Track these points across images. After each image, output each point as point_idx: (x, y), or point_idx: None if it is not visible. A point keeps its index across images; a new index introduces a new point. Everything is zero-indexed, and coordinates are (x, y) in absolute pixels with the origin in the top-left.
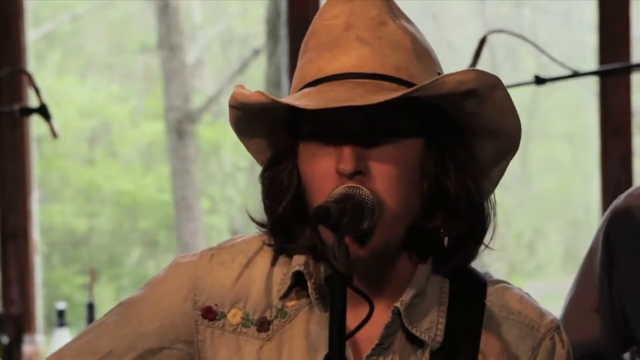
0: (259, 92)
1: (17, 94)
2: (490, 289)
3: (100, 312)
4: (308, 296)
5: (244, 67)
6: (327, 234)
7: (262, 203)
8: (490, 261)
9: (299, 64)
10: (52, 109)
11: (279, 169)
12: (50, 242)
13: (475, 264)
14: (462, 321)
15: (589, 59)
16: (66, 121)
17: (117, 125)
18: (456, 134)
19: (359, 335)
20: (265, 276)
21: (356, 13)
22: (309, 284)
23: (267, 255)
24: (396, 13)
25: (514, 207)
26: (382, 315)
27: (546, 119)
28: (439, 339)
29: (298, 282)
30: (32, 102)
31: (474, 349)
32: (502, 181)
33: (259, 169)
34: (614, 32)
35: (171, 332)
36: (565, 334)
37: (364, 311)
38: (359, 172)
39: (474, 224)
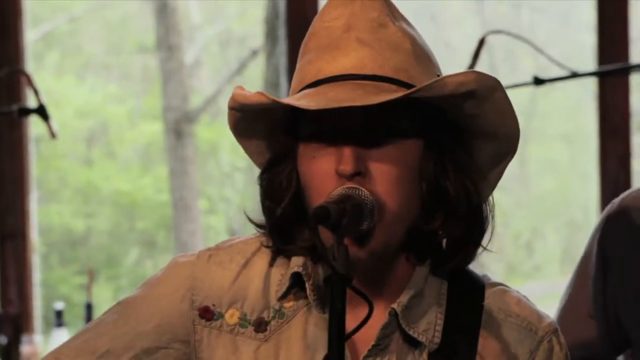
0: (259, 92)
1: (16, 94)
2: (488, 291)
3: (98, 312)
4: (306, 297)
5: (242, 67)
6: (326, 235)
7: (260, 204)
8: (488, 262)
9: (298, 65)
10: (50, 109)
11: (278, 170)
12: (48, 243)
13: (473, 265)
14: (460, 323)
15: (588, 60)
16: (64, 121)
17: (115, 126)
18: (455, 135)
19: (357, 335)
20: (263, 277)
21: (356, 15)
22: (307, 285)
23: (265, 256)
24: (396, 15)
25: (512, 207)
26: (379, 316)
27: (544, 119)
28: (437, 340)
29: (296, 283)
30: (31, 102)
31: (472, 350)
32: (500, 182)
33: (256, 169)
34: (612, 33)
35: (168, 331)
36: (562, 337)
37: (362, 312)
38: (359, 173)
39: (473, 225)
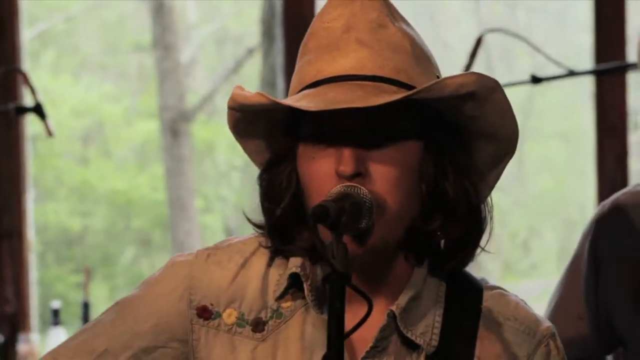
0: (259, 93)
1: (12, 93)
2: (486, 295)
3: (95, 311)
4: (304, 298)
5: (238, 66)
6: (325, 233)
7: (259, 204)
8: (484, 260)
9: (297, 65)
10: (46, 108)
11: (277, 170)
12: (44, 241)
13: (470, 264)
14: (458, 326)
15: (584, 60)
16: (60, 120)
17: (111, 125)
18: (455, 137)
19: (355, 336)
20: (261, 277)
21: (356, 15)
22: (305, 285)
23: (263, 256)
24: (395, 16)
25: (509, 206)
26: (378, 317)
27: (541, 118)
28: (434, 343)
29: (294, 284)
30: (27, 101)
31: (470, 353)
32: (498, 182)
33: (253, 168)
34: (609, 32)
35: (166, 331)
36: (560, 341)
37: (361, 311)
38: (359, 174)
39: (472, 227)
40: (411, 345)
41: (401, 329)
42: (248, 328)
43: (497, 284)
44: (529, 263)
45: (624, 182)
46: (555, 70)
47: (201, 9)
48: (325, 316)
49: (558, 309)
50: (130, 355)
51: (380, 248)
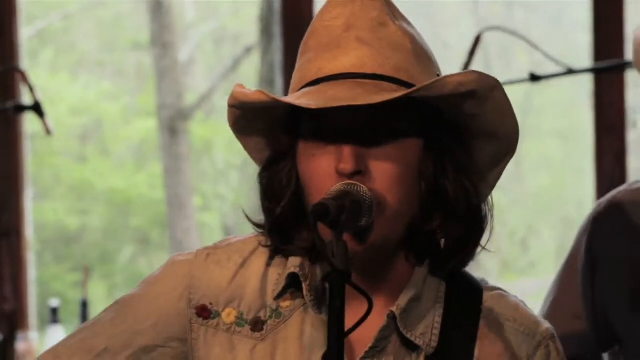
0: (259, 91)
1: (11, 92)
2: (486, 296)
3: (93, 310)
4: (303, 297)
5: (236, 65)
6: (325, 232)
7: (259, 203)
8: (483, 259)
9: (298, 64)
10: (44, 107)
11: (277, 168)
12: (42, 240)
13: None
14: (458, 327)
15: (582, 59)
16: (58, 119)
17: (109, 123)
18: (455, 136)
19: (354, 336)
20: (260, 276)
21: (356, 14)
22: (304, 285)
23: (263, 255)
24: (396, 15)
25: (508, 204)
26: (377, 317)
27: (539, 116)
28: (434, 344)
29: (293, 283)
30: (25, 99)
31: (469, 355)
32: None
33: (251, 166)
34: (608, 31)
35: (166, 330)
36: (560, 343)
37: (361, 310)
38: (359, 172)
39: (472, 226)
40: (411, 346)
41: (401, 329)
42: (247, 327)
43: (496, 282)
44: (528, 261)
45: (622, 180)
46: (553, 69)
47: (199, 7)
48: (323, 316)
49: (554, 307)
50: (130, 354)
51: (381, 246)
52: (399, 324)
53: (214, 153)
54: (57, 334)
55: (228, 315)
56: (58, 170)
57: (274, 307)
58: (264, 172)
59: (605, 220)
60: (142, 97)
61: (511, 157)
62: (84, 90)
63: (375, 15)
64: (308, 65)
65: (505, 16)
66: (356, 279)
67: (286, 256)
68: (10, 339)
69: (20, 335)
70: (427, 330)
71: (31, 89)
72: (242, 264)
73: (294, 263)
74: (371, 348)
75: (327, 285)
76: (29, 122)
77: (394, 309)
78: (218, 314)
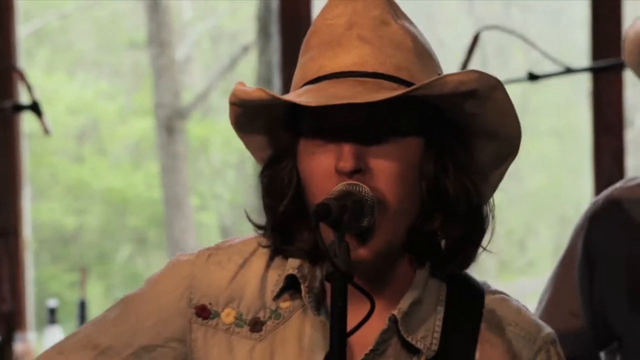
0: (259, 88)
1: (8, 91)
2: (487, 299)
3: (91, 310)
4: (302, 298)
5: (233, 64)
6: (327, 232)
7: (259, 202)
8: (481, 258)
9: (299, 62)
10: (42, 106)
11: (278, 167)
12: (39, 240)
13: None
14: (459, 330)
15: (579, 58)
16: (55, 118)
17: (106, 122)
18: (456, 135)
19: (354, 338)
20: (260, 277)
21: (358, 12)
22: (302, 287)
23: (263, 256)
24: (398, 13)
25: (505, 204)
26: (378, 319)
27: (536, 116)
28: (434, 347)
29: (291, 285)
30: (23, 99)
31: (470, 358)
32: None
33: (248, 165)
34: (606, 31)
35: (166, 330)
36: (560, 348)
37: (361, 311)
38: (359, 171)
39: (472, 226)
40: (411, 349)
41: (402, 333)
42: (246, 328)
43: (494, 282)
44: (525, 261)
45: (620, 179)
46: (550, 68)
47: (196, 6)
48: (322, 318)
49: (551, 305)
50: (132, 353)
51: (385, 248)
52: (400, 328)
53: (210, 152)
54: (54, 335)
55: (227, 316)
56: (55, 169)
57: (273, 307)
58: (265, 171)
59: (602, 217)
60: (139, 96)
61: (513, 158)
62: (81, 90)
63: (377, 13)
64: (310, 63)
65: (503, 15)
66: (357, 280)
67: (286, 257)
68: (8, 340)
69: (18, 336)
70: (427, 334)
71: (29, 89)
72: (242, 265)
73: (293, 265)
74: (371, 351)
75: (327, 285)
76: (26, 122)
77: (395, 312)
78: (217, 314)
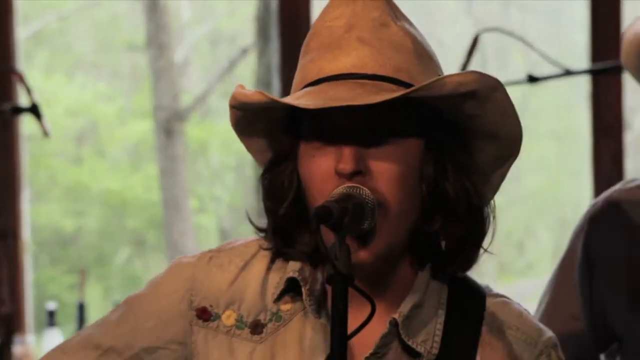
0: (258, 91)
1: (7, 93)
2: (489, 303)
3: (90, 312)
4: (303, 301)
5: (232, 66)
6: (327, 235)
7: (260, 205)
8: (480, 260)
9: (299, 64)
10: (41, 108)
11: (279, 170)
12: (38, 242)
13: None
14: (459, 333)
15: (578, 59)
16: (54, 120)
17: (104, 124)
18: (456, 136)
19: (355, 340)
20: (261, 279)
21: (358, 14)
22: (303, 290)
23: (264, 258)
24: (397, 15)
25: (504, 206)
26: (379, 322)
27: (536, 117)
28: (435, 351)
29: (292, 287)
30: (22, 101)
31: None
32: None
33: (247, 168)
34: (605, 32)
35: (167, 331)
36: (561, 352)
37: (361, 313)
38: (359, 172)
39: (473, 227)
40: (412, 353)
41: (403, 337)
42: (247, 330)
43: (493, 284)
44: (524, 263)
45: (619, 182)
46: (548, 70)
47: (195, 8)
48: (323, 320)
49: (550, 308)
50: (133, 354)
51: (386, 251)
52: (401, 331)
53: (209, 154)
54: (54, 337)
55: (228, 318)
56: (54, 171)
57: (274, 310)
58: (266, 174)
59: (601, 219)
60: (138, 98)
61: (514, 158)
62: (79, 92)
63: (376, 15)
64: (309, 65)
65: (502, 16)
66: (358, 282)
67: (287, 260)
68: (7, 342)
69: (17, 339)
70: (428, 337)
71: (28, 91)
72: (243, 267)
73: (293, 267)
74: (372, 354)
75: (328, 288)
76: (25, 124)
77: (396, 316)
78: (218, 316)
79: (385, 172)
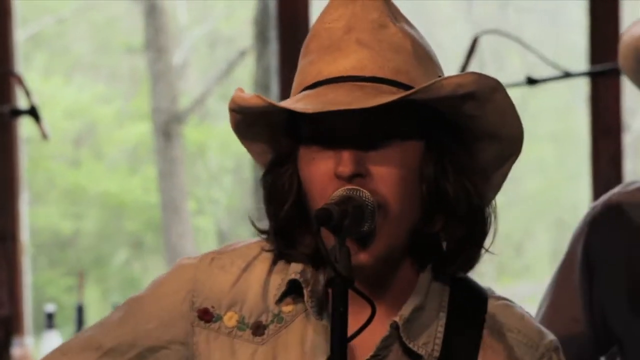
0: (256, 95)
1: (6, 96)
2: (491, 305)
3: (89, 314)
4: (305, 303)
5: (230, 68)
6: (327, 237)
7: (261, 206)
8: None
9: (299, 66)
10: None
11: (279, 172)
12: (36, 244)
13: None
14: (461, 336)
15: (576, 60)
16: (52, 122)
17: (103, 127)
18: (456, 136)
19: (356, 341)
20: (262, 281)
21: (357, 16)
22: (305, 291)
23: (266, 260)
24: (397, 16)
25: (503, 207)
26: (380, 324)
27: (534, 119)
28: (436, 354)
29: (294, 289)
30: (21, 103)
31: None
32: None
33: (245, 170)
34: (604, 33)
35: (168, 332)
36: (563, 356)
37: (362, 315)
38: (359, 175)
39: (474, 227)
40: (412, 355)
41: (404, 339)
42: (248, 331)
43: (491, 285)
44: (523, 264)
45: (618, 183)
46: (546, 71)
47: (192, 10)
48: (324, 322)
49: (551, 311)
50: (137, 354)
51: (386, 253)
52: (402, 334)
53: (207, 157)
54: (52, 339)
55: (230, 319)
56: (52, 174)
57: (275, 311)
58: (266, 176)
59: (601, 222)
60: (136, 100)
61: (516, 158)
62: (77, 94)
63: (375, 16)
64: (309, 67)
65: (500, 17)
66: (359, 284)
67: (289, 261)
68: (5, 345)
69: (15, 341)
70: (429, 340)
71: (27, 93)
72: (245, 269)
73: (295, 269)
74: (372, 357)
75: (329, 290)
76: (23, 126)
77: (397, 319)
78: (220, 318)
79: (385, 174)
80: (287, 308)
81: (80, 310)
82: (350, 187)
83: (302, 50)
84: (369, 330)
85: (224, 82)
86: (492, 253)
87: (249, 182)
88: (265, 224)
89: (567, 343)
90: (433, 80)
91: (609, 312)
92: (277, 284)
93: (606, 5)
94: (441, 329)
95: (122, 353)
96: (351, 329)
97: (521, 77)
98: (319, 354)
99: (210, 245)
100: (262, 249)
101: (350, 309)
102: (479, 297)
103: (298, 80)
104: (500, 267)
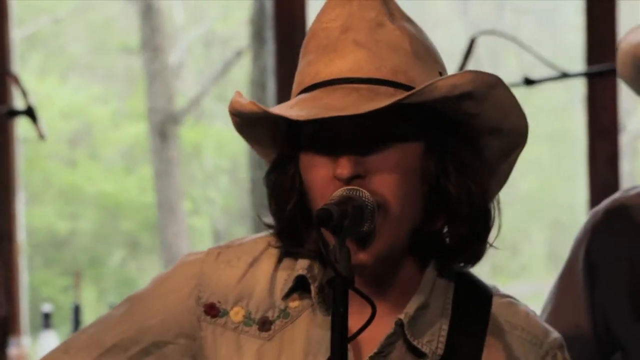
0: (252, 102)
1: (2, 96)
2: (495, 303)
3: (85, 314)
4: (311, 299)
5: (226, 68)
6: (329, 237)
7: (268, 205)
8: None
9: (299, 65)
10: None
11: (282, 171)
12: (32, 244)
13: None
14: (465, 334)
15: (573, 61)
16: (48, 122)
17: (99, 127)
18: (458, 134)
19: (362, 339)
20: (269, 276)
21: (353, 15)
22: (312, 287)
23: (273, 255)
24: (395, 14)
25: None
26: (385, 322)
27: (531, 120)
28: (440, 351)
29: (300, 285)
30: (17, 103)
31: None
32: None
33: (241, 170)
34: (601, 34)
35: (174, 326)
36: (567, 353)
37: (367, 315)
38: (358, 176)
39: (476, 225)
40: (417, 353)
41: (408, 337)
42: (254, 327)
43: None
44: (518, 264)
45: (615, 184)
46: (543, 72)
47: (188, 10)
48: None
49: (553, 318)
50: (141, 349)
51: (387, 252)
52: (406, 332)
53: (203, 157)
54: (49, 340)
55: (236, 314)
56: (48, 174)
57: (282, 307)
58: (270, 175)
59: (602, 228)
60: (132, 100)
61: (521, 149)
62: (73, 94)
63: (372, 15)
64: (307, 68)
65: (496, 17)
66: (363, 283)
67: (296, 257)
68: (2, 345)
69: (12, 341)
70: (433, 337)
71: (24, 93)
72: (252, 264)
73: (302, 265)
74: (376, 353)
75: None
76: (19, 126)
77: (402, 316)
78: (226, 313)
79: (385, 175)
80: (293, 304)
81: (76, 310)
82: (350, 187)
83: (302, 49)
84: (374, 328)
85: (220, 82)
86: (497, 248)
87: (245, 182)
88: (271, 219)
89: (571, 349)
90: (427, 83)
91: (611, 317)
92: (284, 279)
93: (603, 6)
94: (445, 326)
95: (125, 349)
96: (357, 325)
97: (518, 78)
98: (324, 349)
99: (206, 245)
100: (269, 244)
101: (353, 308)
102: (483, 294)
103: (298, 80)
104: (495, 268)
